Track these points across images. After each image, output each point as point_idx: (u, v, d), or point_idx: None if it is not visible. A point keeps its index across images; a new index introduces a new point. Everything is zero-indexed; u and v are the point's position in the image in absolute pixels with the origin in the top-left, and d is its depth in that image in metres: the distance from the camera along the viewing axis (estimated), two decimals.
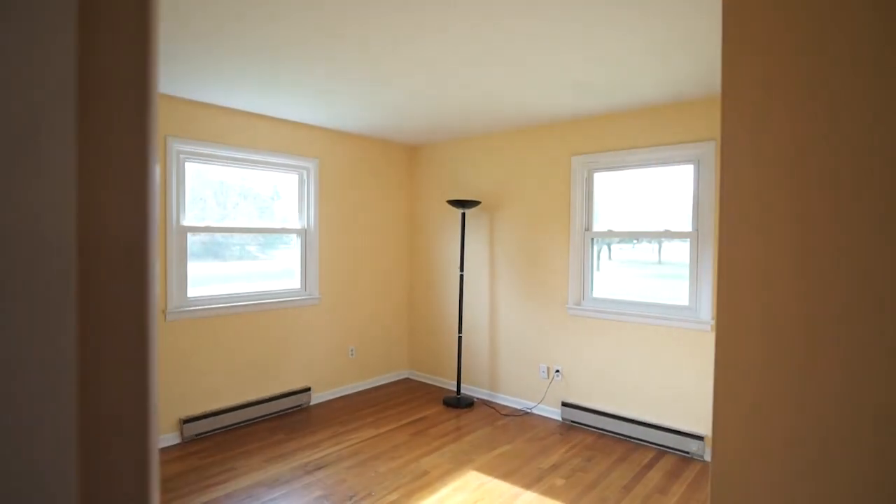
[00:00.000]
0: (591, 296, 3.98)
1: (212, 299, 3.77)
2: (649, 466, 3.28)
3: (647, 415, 3.63)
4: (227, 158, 3.83)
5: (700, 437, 3.34)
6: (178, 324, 3.57)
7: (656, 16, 2.15)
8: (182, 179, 3.58)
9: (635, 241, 3.86)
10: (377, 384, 5.02)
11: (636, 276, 3.82)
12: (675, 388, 3.50)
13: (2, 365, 0.29)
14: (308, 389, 4.35)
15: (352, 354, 4.77)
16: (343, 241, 4.66)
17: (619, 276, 3.90)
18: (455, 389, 4.87)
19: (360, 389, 4.85)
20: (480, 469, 3.23)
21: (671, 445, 3.46)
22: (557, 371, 4.12)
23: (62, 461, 0.30)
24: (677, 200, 3.56)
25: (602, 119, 3.85)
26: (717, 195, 3.33)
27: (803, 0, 0.71)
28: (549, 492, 2.96)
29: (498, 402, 4.53)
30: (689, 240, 3.49)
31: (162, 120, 3.44)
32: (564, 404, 4.02)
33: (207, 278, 3.81)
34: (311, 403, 4.42)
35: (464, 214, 4.50)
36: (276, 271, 4.29)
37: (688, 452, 3.39)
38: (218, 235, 3.85)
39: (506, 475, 3.16)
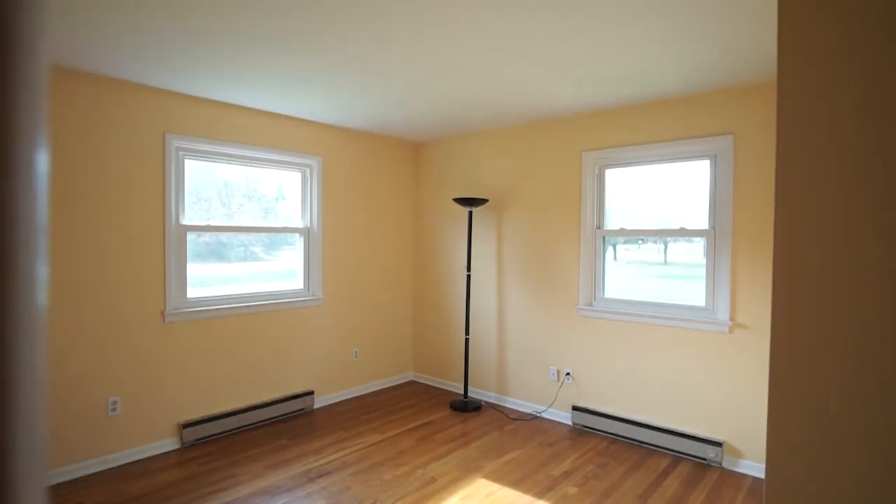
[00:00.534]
0: (603, 296, 3.86)
1: (212, 300, 3.66)
2: (665, 474, 3.15)
3: (662, 419, 3.50)
4: (228, 155, 3.72)
5: (718, 444, 3.20)
6: (177, 326, 3.46)
7: (674, 1, 2.04)
8: (181, 177, 3.48)
9: (641, 242, 3.73)
10: (382, 387, 4.91)
11: (641, 276, 3.69)
12: (692, 392, 3.37)
13: None
14: (311, 393, 4.24)
15: (356, 357, 4.66)
16: (347, 240, 4.55)
17: (626, 277, 3.78)
18: (462, 393, 4.75)
19: (364, 392, 4.73)
20: (489, 476, 3.11)
21: (688, 452, 3.33)
22: (568, 374, 4.00)
23: None
24: (692, 197, 3.43)
25: (614, 113, 3.73)
26: (734, 191, 3.20)
27: None
28: (561, 501, 2.83)
29: (506, 405, 4.41)
30: (705, 238, 3.36)
31: (160, 116, 3.34)
32: (575, 408, 3.90)
33: (212, 279, 3.71)
34: (315, 407, 4.31)
35: (471, 213, 4.39)
36: (280, 272, 4.18)
37: (705, 459, 3.26)
38: (223, 236, 3.77)
39: (516, 483, 3.04)
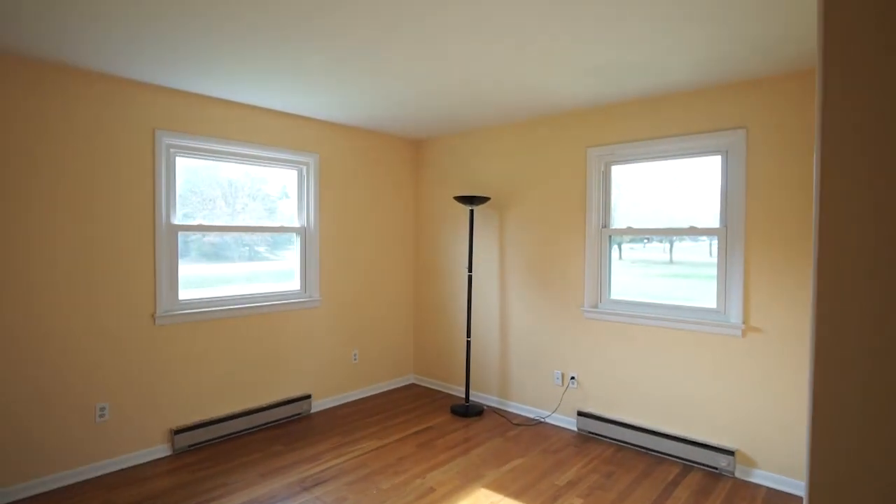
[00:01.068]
0: (609, 298, 3.72)
1: (205, 302, 3.55)
2: (675, 483, 3.02)
3: (671, 426, 3.37)
4: (221, 153, 3.61)
5: (730, 452, 3.07)
6: (168, 328, 3.35)
7: None
8: (172, 175, 3.37)
9: (646, 241, 3.60)
10: (381, 390, 4.79)
11: (646, 275, 3.56)
12: (703, 398, 3.23)
13: None
14: (308, 397, 4.13)
15: (355, 359, 4.54)
16: (345, 240, 4.44)
17: (631, 277, 3.64)
18: (463, 396, 4.62)
19: (363, 396, 4.62)
20: (491, 486, 2.99)
21: (698, 460, 3.20)
22: (573, 378, 3.87)
23: None
24: (702, 195, 3.29)
25: (619, 107, 3.59)
26: (747, 188, 3.06)
27: None
28: None
29: (509, 410, 4.29)
30: (716, 237, 3.22)
31: (150, 112, 3.23)
32: (580, 413, 3.77)
33: (217, 279, 3.61)
34: (312, 411, 4.20)
35: (472, 211, 4.26)
36: (285, 272, 4.07)
37: (717, 468, 3.13)
38: (228, 236, 3.71)
39: (519, 493, 2.91)
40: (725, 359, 3.14)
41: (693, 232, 3.32)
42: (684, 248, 3.44)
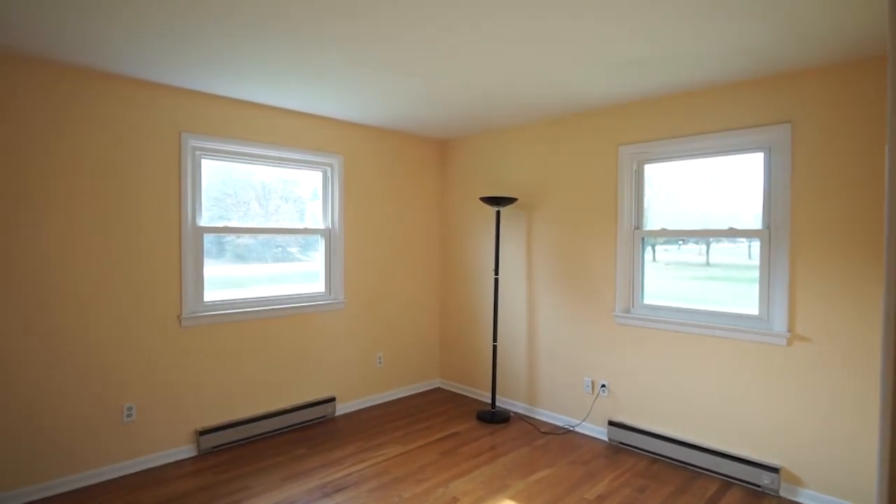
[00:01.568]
0: (642, 302, 3.55)
1: (230, 304, 3.56)
2: (714, 500, 2.84)
3: (709, 439, 3.18)
4: (246, 155, 3.62)
5: (774, 469, 2.86)
6: (193, 330, 3.37)
7: None
8: (198, 177, 3.38)
9: (681, 242, 3.41)
10: (406, 394, 4.73)
11: (680, 278, 3.37)
12: (744, 410, 3.03)
13: None
14: (332, 399, 4.09)
15: (379, 363, 4.49)
16: (369, 241, 4.39)
17: (665, 280, 3.46)
18: (490, 402, 4.51)
19: (387, 400, 4.56)
20: (516, 498, 2.87)
21: (738, 476, 3.00)
22: (603, 385, 3.71)
23: None
24: (743, 194, 3.10)
25: (653, 103, 3.43)
26: (793, 186, 2.85)
27: None
28: None
29: (537, 417, 4.15)
30: (758, 239, 3.03)
31: (176, 114, 3.25)
32: (611, 423, 3.61)
33: (245, 280, 3.63)
34: (337, 414, 4.16)
35: (499, 213, 4.15)
36: (307, 273, 4.07)
37: (759, 486, 2.93)
38: (261, 238, 3.75)
39: None
40: (769, 369, 2.94)
41: (732, 233, 3.13)
42: (722, 249, 3.25)
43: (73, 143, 2.88)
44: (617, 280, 3.62)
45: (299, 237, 4.00)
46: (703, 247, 3.33)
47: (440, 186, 4.99)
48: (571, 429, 3.88)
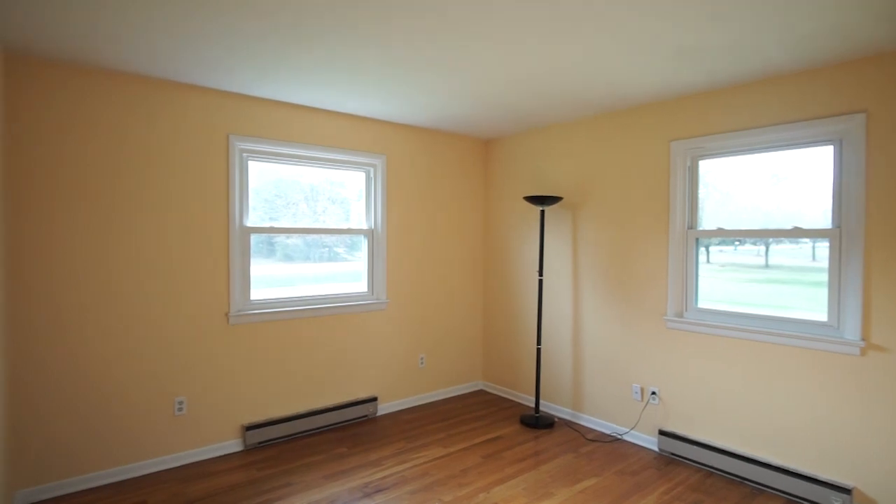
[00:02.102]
0: (696, 306, 3.36)
1: (275, 302, 3.62)
2: None
3: (770, 454, 2.97)
4: (291, 156, 3.68)
5: (846, 490, 2.63)
6: (241, 327, 3.45)
7: None
8: (245, 178, 3.47)
9: (737, 243, 3.20)
10: (448, 395, 4.69)
11: (737, 281, 3.15)
12: (811, 425, 2.81)
13: None
14: (374, 399, 4.10)
15: (421, 363, 4.47)
16: (412, 241, 4.38)
17: (720, 282, 3.25)
18: (533, 406, 4.40)
19: (429, 401, 4.54)
20: None
21: (804, 495, 2.78)
22: (653, 393, 3.54)
23: None
24: (808, 190, 2.87)
25: (709, 95, 3.24)
26: (868, 182, 2.61)
27: None
28: None
29: (582, 423, 4.01)
30: (827, 239, 2.80)
31: (224, 118, 3.34)
32: (662, 433, 3.43)
33: (293, 279, 3.74)
34: (378, 414, 4.17)
35: (543, 212, 4.04)
36: (352, 273, 4.11)
37: None
38: (309, 238, 3.83)
39: None
40: (840, 380, 2.70)
41: (797, 233, 2.90)
42: (782, 250, 3.03)
43: (134, 147, 3.00)
44: (669, 282, 3.44)
45: (345, 237, 4.04)
46: (762, 247, 3.12)
47: (483, 186, 4.93)
48: (619, 437, 3.72)
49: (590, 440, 3.69)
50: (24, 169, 2.70)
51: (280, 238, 3.68)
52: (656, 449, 3.50)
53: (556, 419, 4.12)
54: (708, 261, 3.36)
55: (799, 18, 2.16)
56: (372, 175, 4.15)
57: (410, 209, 4.36)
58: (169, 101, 3.12)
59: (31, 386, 2.75)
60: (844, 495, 2.63)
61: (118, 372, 3.00)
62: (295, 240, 3.77)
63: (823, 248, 2.83)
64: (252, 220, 3.53)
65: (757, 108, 3.02)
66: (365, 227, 4.14)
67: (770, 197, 3.05)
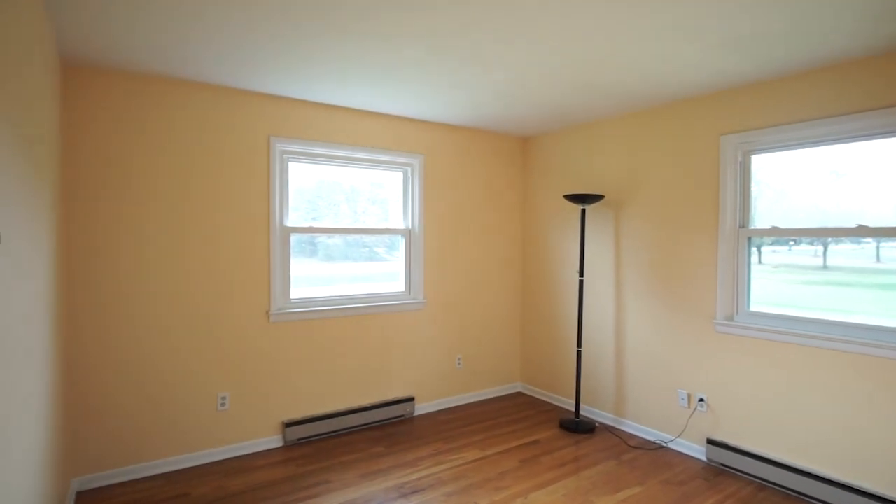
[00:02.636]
0: (747, 309, 3.19)
1: (314, 301, 3.67)
2: None
3: (830, 468, 2.77)
4: (330, 157, 3.72)
5: None
6: (281, 325, 3.51)
7: None
8: (286, 179, 3.52)
9: (792, 243, 3.00)
10: (486, 397, 4.63)
11: (792, 282, 2.95)
12: (880, 440, 2.60)
13: None
14: (412, 399, 4.09)
15: (459, 364, 4.43)
16: (449, 241, 4.35)
17: (774, 284, 3.06)
18: (573, 410, 4.29)
19: (467, 402, 4.49)
20: None
21: None
22: (701, 400, 3.37)
23: None
24: (875, 186, 2.66)
25: (763, 86, 3.06)
26: None
27: None
28: None
29: (624, 429, 3.88)
30: None
31: (265, 119, 3.40)
32: (710, 442, 3.26)
33: (334, 279, 3.79)
34: (415, 414, 4.16)
35: (584, 211, 3.93)
36: (391, 273, 4.12)
37: None
38: (349, 238, 3.87)
39: None
40: None
41: (863, 232, 2.70)
42: (842, 251, 2.82)
43: (180, 149, 3.10)
44: (718, 284, 3.28)
45: (385, 238, 4.05)
46: (819, 248, 2.91)
47: (521, 184, 4.84)
48: (664, 445, 3.57)
49: (633, 447, 3.56)
50: (77, 173, 2.83)
51: (322, 238, 3.73)
52: (704, 458, 3.34)
53: (596, 424, 3.99)
54: (760, 261, 3.18)
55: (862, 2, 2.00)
56: (409, 175, 4.15)
57: (447, 208, 4.33)
58: (212, 104, 3.21)
59: (85, 382, 2.88)
60: None
61: (165, 368, 3.10)
62: (336, 240, 3.81)
63: (890, 248, 2.62)
64: (294, 221, 3.59)
65: (817, 98, 2.82)
66: (402, 226, 4.14)
67: (829, 194, 2.85)
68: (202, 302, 3.21)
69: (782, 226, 3.04)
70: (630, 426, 3.84)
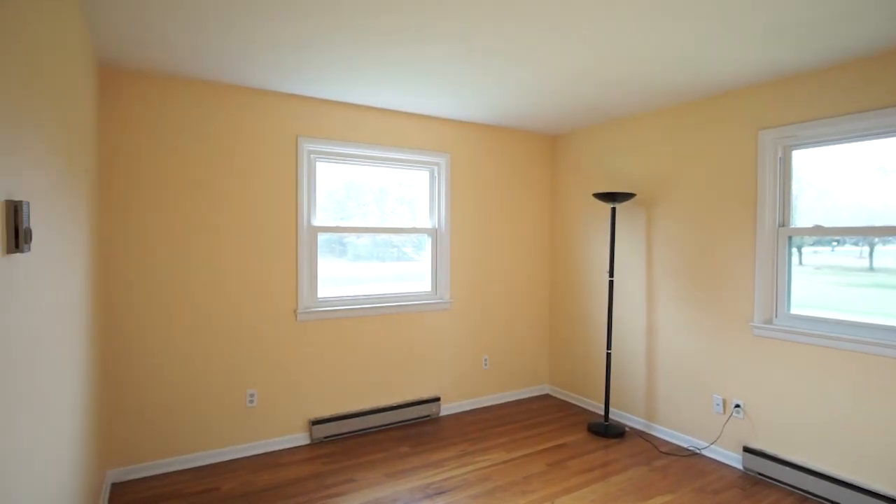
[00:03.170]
0: (788, 312, 3.05)
1: (341, 300, 3.69)
2: None
3: (877, 481, 2.62)
4: (357, 157, 3.73)
5: None
6: (308, 324, 3.54)
7: None
8: (313, 179, 3.55)
9: (835, 243, 2.85)
10: (512, 399, 4.57)
11: (835, 284, 2.80)
12: None
13: None
14: (437, 399, 4.08)
15: (485, 365, 4.39)
16: (476, 240, 4.32)
17: (816, 286, 2.91)
18: (602, 414, 4.20)
19: (493, 403, 4.45)
20: None
21: None
22: (737, 406, 3.24)
23: None
24: None
25: (803, 77, 2.92)
26: None
27: None
28: None
29: (656, 434, 3.77)
30: None
31: (293, 120, 3.44)
32: (747, 450, 3.14)
33: (362, 278, 3.82)
34: (441, 414, 4.14)
35: (614, 210, 3.84)
36: (419, 273, 4.12)
37: None
38: (378, 238, 3.90)
39: None
40: None
41: None
42: (890, 251, 2.66)
43: (211, 150, 3.16)
44: (756, 285, 3.15)
45: (413, 237, 4.05)
46: (865, 248, 2.76)
47: (550, 183, 4.77)
48: (697, 451, 3.45)
49: (664, 453, 3.45)
50: (113, 175, 2.92)
51: (351, 238, 3.76)
52: (740, 467, 3.21)
53: (626, 428, 3.89)
54: (800, 262, 3.04)
55: None
56: (435, 174, 4.13)
57: (474, 207, 4.29)
58: (243, 105, 3.26)
59: (121, 378, 2.96)
60: None
61: (197, 365, 3.17)
62: (365, 240, 3.83)
63: None
64: (322, 220, 3.61)
65: (864, 89, 2.68)
66: (429, 226, 4.13)
67: (876, 191, 2.70)
68: (233, 301, 3.26)
69: (825, 225, 2.90)
70: (662, 431, 3.73)
